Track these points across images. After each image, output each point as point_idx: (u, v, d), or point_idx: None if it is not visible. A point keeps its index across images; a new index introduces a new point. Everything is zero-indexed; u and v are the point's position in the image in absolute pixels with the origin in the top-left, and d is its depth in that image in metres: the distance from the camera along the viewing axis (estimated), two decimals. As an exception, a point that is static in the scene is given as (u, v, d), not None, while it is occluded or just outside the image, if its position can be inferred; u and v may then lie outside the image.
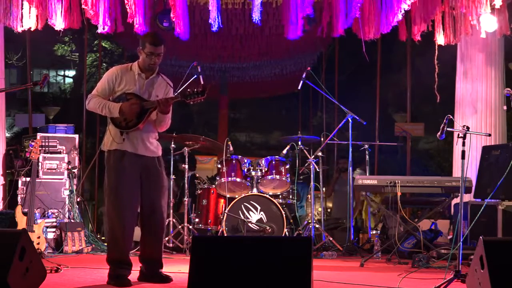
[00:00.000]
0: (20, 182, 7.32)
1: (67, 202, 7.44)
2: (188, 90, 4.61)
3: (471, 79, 7.81)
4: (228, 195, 6.87)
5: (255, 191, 6.90)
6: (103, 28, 7.36)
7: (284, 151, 7.20)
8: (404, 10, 6.90)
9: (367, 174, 7.44)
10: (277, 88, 12.14)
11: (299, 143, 7.21)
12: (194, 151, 7.36)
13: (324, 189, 7.80)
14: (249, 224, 6.66)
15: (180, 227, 6.95)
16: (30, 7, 7.38)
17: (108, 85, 4.65)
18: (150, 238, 4.69)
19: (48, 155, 7.51)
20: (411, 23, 7.78)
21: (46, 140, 7.50)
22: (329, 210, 9.73)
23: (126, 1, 7.13)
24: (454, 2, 7.14)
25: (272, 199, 6.76)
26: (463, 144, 4.64)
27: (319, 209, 7.82)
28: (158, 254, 4.71)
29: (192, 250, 3.67)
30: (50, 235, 7.08)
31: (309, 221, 7.10)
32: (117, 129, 4.61)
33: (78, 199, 7.59)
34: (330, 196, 9.29)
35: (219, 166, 6.99)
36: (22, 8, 7.37)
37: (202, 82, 6.74)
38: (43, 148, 7.37)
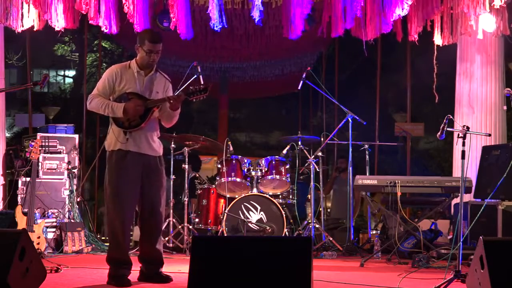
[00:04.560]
0: (20, 182, 7.32)
1: (67, 202, 7.44)
2: (191, 87, 4.62)
3: (471, 79, 7.80)
4: (228, 195, 6.87)
5: (255, 191, 6.90)
6: (106, 28, 7.36)
7: (284, 151, 7.20)
8: (406, 7, 6.89)
9: (367, 174, 7.43)
10: (277, 88, 12.14)
11: (299, 143, 7.21)
12: (195, 151, 7.36)
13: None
14: (249, 224, 6.66)
15: (180, 227, 6.95)
16: (30, 7, 7.38)
17: (108, 84, 4.64)
18: (150, 238, 4.69)
19: (48, 155, 7.51)
20: (409, 23, 7.77)
21: (46, 140, 7.50)
22: (328, 210, 9.73)
23: (124, 1, 7.13)
24: (454, 2, 7.14)
25: (272, 199, 6.76)
26: (463, 144, 4.64)
27: (319, 209, 7.81)
28: (158, 253, 4.71)
29: (192, 250, 3.67)
30: (50, 235, 7.08)
31: (309, 221, 7.10)
32: (120, 129, 4.60)
33: (78, 199, 7.59)
34: (328, 194, 9.30)
35: (219, 166, 6.99)
36: (22, 8, 7.36)
37: (202, 82, 6.75)
38: (43, 148, 7.37)
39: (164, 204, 4.77)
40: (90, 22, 7.46)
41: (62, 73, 19.35)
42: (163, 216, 4.79)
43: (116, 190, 4.57)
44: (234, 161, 6.96)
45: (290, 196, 7.22)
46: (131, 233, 7.00)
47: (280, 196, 7.13)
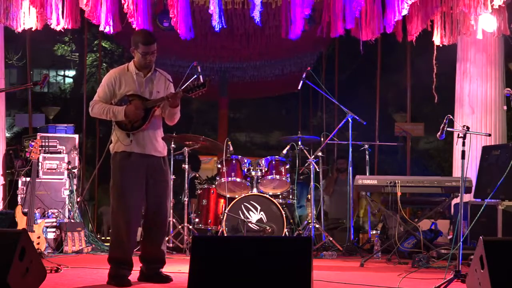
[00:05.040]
0: (20, 182, 7.32)
1: (67, 202, 7.44)
2: (189, 84, 4.63)
3: (471, 79, 7.80)
4: (228, 195, 6.87)
5: (255, 191, 6.90)
6: (104, 28, 7.36)
7: (284, 151, 7.20)
8: (406, 7, 6.89)
9: (367, 174, 7.43)
10: (277, 88, 12.14)
11: (299, 143, 7.21)
12: (195, 151, 7.36)
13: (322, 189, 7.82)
14: (249, 224, 6.66)
15: (180, 227, 6.95)
16: (30, 7, 7.38)
17: (108, 89, 4.65)
18: (154, 238, 4.69)
19: (48, 155, 7.51)
20: (409, 23, 7.76)
21: (46, 140, 7.50)
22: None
23: (123, 1, 7.13)
24: (453, 2, 7.14)
25: (272, 199, 6.76)
26: (463, 144, 4.64)
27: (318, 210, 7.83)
28: (161, 253, 4.72)
29: (192, 250, 3.67)
30: (50, 235, 7.08)
31: (309, 221, 7.10)
32: (123, 131, 4.60)
33: (78, 199, 7.59)
34: (331, 195, 9.30)
35: (219, 166, 6.99)
36: (22, 8, 7.36)
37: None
38: (43, 148, 7.37)
39: (170, 205, 4.76)
40: (92, 21, 7.45)
41: (62, 73, 19.35)
42: (168, 217, 4.79)
43: (120, 190, 4.57)
44: (234, 161, 6.96)
45: (290, 196, 7.22)
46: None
47: (280, 196, 7.13)
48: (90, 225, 8.27)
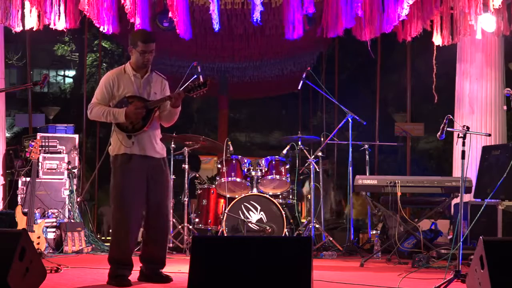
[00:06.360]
0: (20, 182, 7.32)
1: (67, 202, 7.44)
2: (190, 84, 4.64)
3: (471, 79, 7.80)
4: (228, 195, 6.87)
5: (255, 191, 6.90)
6: (103, 28, 7.36)
7: (284, 151, 7.21)
8: (407, 7, 6.89)
9: (367, 174, 7.43)
10: (277, 88, 12.12)
11: (299, 143, 7.21)
12: (195, 151, 7.36)
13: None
14: (249, 224, 6.66)
15: (180, 227, 6.95)
16: (30, 7, 7.37)
17: (106, 91, 4.64)
18: (155, 239, 4.69)
19: (48, 155, 7.51)
20: (409, 23, 7.76)
21: (46, 140, 7.50)
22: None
23: (123, 1, 7.12)
24: (454, 2, 7.14)
25: (272, 199, 6.76)
26: (463, 144, 4.64)
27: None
28: (162, 254, 4.71)
29: (192, 250, 3.67)
30: (50, 235, 7.08)
31: (309, 221, 7.11)
32: (124, 133, 4.60)
33: (78, 199, 7.59)
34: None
35: (219, 166, 6.99)
36: (22, 8, 7.36)
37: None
38: (43, 148, 7.37)
39: (170, 206, 4.77)
40: (94, 22, 7.44)
41: (62, 73, 19.34)
42: (169, 218, 4.78)
43: (121, 193, 4.57)
44: (234, 161, 6.96)
45: (290, 196, 7.22)
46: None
47: (280, 196, 7.13)
48: (90, 225, 8.26)
